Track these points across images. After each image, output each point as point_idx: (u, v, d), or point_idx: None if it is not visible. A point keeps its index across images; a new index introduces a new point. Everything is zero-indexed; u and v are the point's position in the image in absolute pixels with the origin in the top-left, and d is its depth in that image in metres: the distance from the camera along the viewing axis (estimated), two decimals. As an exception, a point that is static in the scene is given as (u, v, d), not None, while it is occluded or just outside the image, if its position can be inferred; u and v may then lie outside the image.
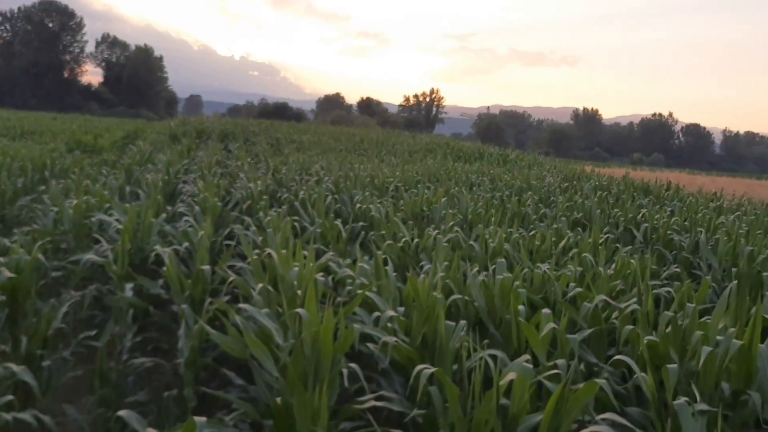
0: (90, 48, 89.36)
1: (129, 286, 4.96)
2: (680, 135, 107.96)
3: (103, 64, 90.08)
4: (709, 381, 3.17)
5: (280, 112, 66.77)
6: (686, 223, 8.89)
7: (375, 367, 3.68)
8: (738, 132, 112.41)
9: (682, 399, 2.79)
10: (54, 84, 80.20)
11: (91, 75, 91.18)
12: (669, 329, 3.57)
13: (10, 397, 3.54)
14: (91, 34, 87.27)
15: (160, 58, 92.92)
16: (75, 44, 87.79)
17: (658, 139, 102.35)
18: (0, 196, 9.04)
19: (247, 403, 3.35)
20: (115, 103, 78.20)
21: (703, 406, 2.82)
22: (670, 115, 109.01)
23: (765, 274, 5.83)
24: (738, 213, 10.99)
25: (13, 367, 3.66)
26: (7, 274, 4.42)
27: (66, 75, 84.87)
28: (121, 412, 2.97)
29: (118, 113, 63.08)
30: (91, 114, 55.36)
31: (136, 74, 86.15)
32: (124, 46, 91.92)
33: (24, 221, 8.57)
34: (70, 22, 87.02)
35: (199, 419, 2.72)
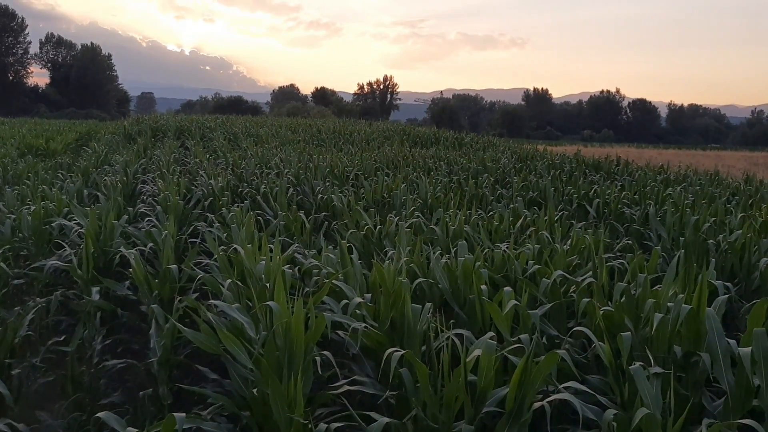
0: (34, 49, 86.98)
1: (95, 289, 4.95)
2: (627, 110, 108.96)
3: (49, 65, 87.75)
4: (661, 345, 3.33)
5: (235, 106, 66.06)
6: (636, 196, 9.21)
7: (345, 353, 3.78)
8: (682, 105, 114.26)
9: (638, 364, 2.92)
10: (-2, 87, 77.90)
11: (38, 77, 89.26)
12: (623, 299, 3.74)
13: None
14: (34, 35, 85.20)
15: (108, 57, 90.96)
16: (18, 45, 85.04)
17: (606, 116, 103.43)
18: (-47, 206, 8.86)
19: (224, 396, 3.42)
20: (65, 104, 76.23)
21: (657, 369, 2.95)
22: (618, 91, 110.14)
23: (710, 241, 6.09)
24: (684, 184, 11.40)
25: (-17, 377, 3.67)
26: (-29, 284, 4.38)
27: (11, 77, 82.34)
28: (100, 414, 3.01)
29: (69, 115, 61.62)
30: (40, 117, 54.08)
31: (85, 74, 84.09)
32: (69, 45, 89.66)
33: (-20, 230, 8.43)
34: (11, 23, 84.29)
35: (179, 415, 2.78)
